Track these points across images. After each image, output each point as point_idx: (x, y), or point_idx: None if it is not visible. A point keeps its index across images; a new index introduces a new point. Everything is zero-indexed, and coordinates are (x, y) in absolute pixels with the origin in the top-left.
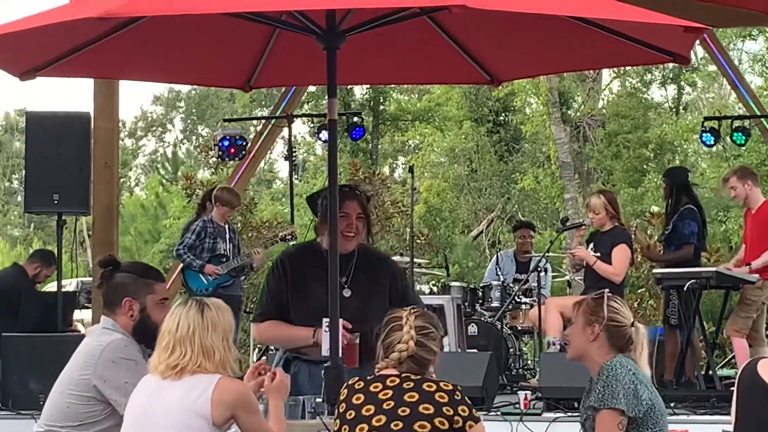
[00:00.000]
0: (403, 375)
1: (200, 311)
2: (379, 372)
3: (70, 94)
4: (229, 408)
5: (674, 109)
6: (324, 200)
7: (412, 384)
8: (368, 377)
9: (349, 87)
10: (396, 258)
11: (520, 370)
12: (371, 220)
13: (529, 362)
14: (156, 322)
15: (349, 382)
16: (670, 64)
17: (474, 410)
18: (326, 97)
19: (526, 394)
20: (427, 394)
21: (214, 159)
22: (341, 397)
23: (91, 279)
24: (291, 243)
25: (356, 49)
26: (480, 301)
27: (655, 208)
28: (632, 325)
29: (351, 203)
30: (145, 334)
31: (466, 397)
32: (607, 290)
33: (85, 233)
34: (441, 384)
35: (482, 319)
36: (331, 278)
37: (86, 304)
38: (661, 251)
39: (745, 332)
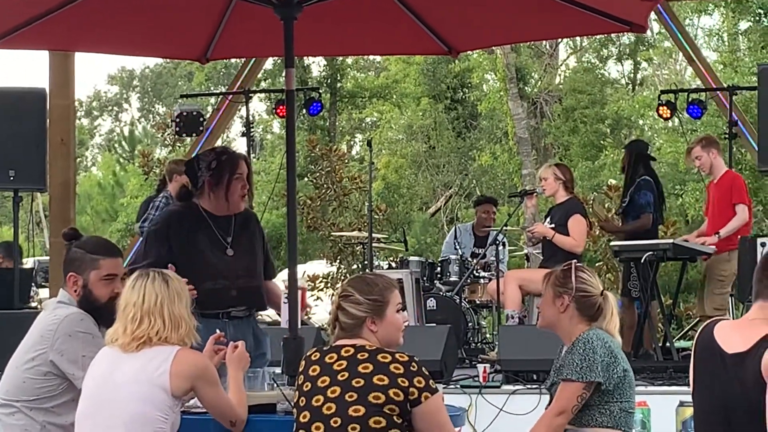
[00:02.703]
0: (358, 345)
1: (165, 282)
2: (335, 342)
3: (23, 72)
4: (188, 380)
5: (630, 85)
6: (212, 163)
7: (366, 355)
8: (324, 348)
9: (306, 64)
10: (354, 233)
11: (479, 344)
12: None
13: (488, 336)
14: (99, 298)
15: (307, 354)
16: (627, 40)
17: (431, 381)
18: (283, 75)
19: (485, 367)
20: (381, 365)
21: (171, 136)
22: (300, 369)
23: (47, 258)
24: None
25: (313, 20)
26: (438, 275)
27: (612, 181)
28: (601, 294)
29: (242, 164)
30: (88, 309)
31: (423, 368)
32: (575, 261)
33: (42, 213)
34: (397, 355)
35: (441, 293)
36: (290, 248)
37: (43, 283)
38: (620, 223)
39: (725, 308)
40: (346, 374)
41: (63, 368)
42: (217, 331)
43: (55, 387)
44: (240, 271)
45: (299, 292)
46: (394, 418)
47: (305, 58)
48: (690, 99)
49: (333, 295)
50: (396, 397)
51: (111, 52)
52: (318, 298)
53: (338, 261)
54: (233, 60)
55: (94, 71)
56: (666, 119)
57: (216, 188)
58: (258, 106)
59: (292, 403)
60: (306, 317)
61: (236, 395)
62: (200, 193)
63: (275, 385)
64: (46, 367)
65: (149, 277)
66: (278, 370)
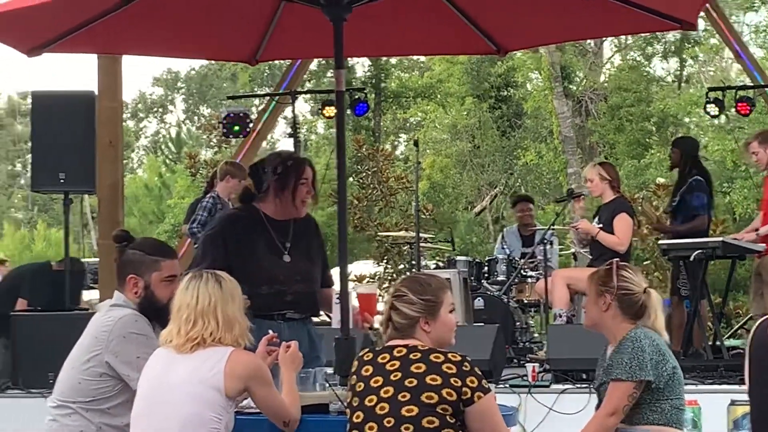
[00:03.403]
0: (411, 345)
1: (218, 283)
2: (388, 342)
3: (72, 76)
4: (242, 380)
5: (676, 83)
6: (278, 167)
7: (419, 355)
8: (377, 348)
9: (350, 65)
10: (401, 233)
11: (526, 344)
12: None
13: (536, 335)
14: (161, 300)
15: (360, 354)
16: (672, 37)
17: (484, 381)
18: (328, 75)
19: (533, 366)
20: (434, 365)
21: (218, 137)
22: (353, 369)
23: (96, 260)
24: None
25: (362, 20)
26: (486, 275)
27: (661, 180)
28: (645, 291)
29: (308, 169)
30: (150, 311)
31: (475, 368)
32: (617, 260)
33: (89, 216)
34: (449, 355)
35: (488, 293)
36: (340, 249)
37: (91, 285)
38: (668, 223)
39: None
40: (399, 374)
41: (118, 369)
42: (270, 332)
43: (110, 388)
44: (296, 277)
45: (371, 298)
46: (447, 417)
47: (350, 58)
48: (738, 96)
49: (383, 295)
50: (449, 396)
51: (160, 55)
52: None
53: (385, 261)
54: (277, 61)
55: (139, 73)
56: (714, 117)
57: (281, 193)
58: (302, 106)
59: (345, 404)
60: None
61: (289, 395)
62: (264, 197)
63: (327, 385)
64: (101, 368)
65: (202, 279)
66: (330, 370)
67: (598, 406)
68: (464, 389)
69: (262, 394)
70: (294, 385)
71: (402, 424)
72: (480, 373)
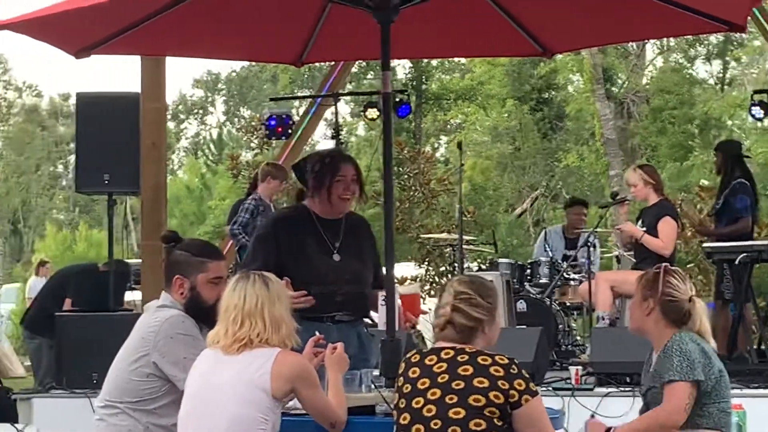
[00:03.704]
0: (458, 348)
1: (265, 284)
2: (435, 344)
3: (112, 78)
4: (288, 381)
5: (719, 85)
6: (317, 165)
7: (466, 357)
8: (424, 350)
9: (392, 67)
10: (443, 235)
11: (569, 347)
12: (363, 182)
13: (578, 338)
14: (207, 301)
15: (407, 356)
16: (715, 39)
17: (531, 384)
18: (368, 77)
19: (577, 369)
20: (482, 368)
21: (260, 139)
22: (400, 371)
23: (138, 261)
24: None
25: (407, 23)
26: (528, 277)
27: (704, 182)
28: (690, 300)
29: (347, 166)
30: (195, 312)
31: (523, 371)
32: (666, 264)
33: (129, 217)
34: (497, 357)
35: (531, 295)
36: (387, 250)
37: (134, 286)
38: (712, 225)
39: None
40: (446, 376)
41: (165, 370)
42: (317, 333)
43: (157, 388)
44: (347, 277)
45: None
46: (495, 420)
47: (392, 61)
48: None
49: (425, 297)
50: (496, 399)
51: (206, 56)
52: None
53: (426, 263)
54: (318, 63)
55: (180, 75)
56: (759, 119)
57: (318, 191)
58: (342, 109)
59: (392, 405)
60: (411, 327)
61: (335, 397)
62: (309, 195)
63: (374, 387)
64: (148, 368)
65: (249, 280)
66: (376, 372)
67: (643, 410)
68: (512, 392)
69: (308, 396)
70: (340, 386)
71: (449, 427)
72: (527, 375)
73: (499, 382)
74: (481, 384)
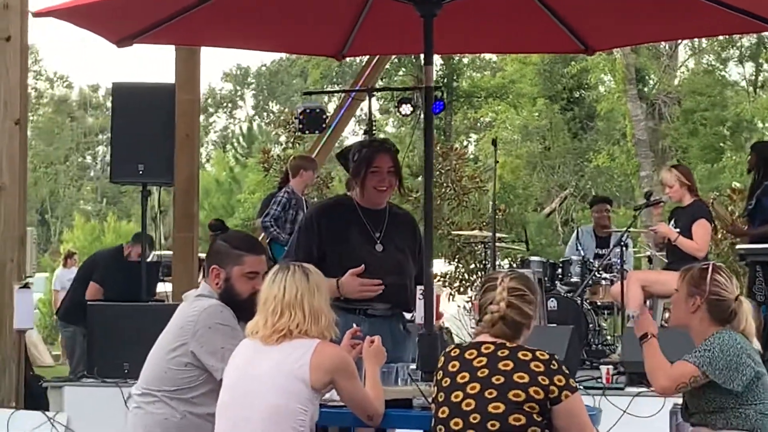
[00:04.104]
0: (499, 343)
1: (305, 275)
2: (475, 338)
3: (143, 70)
4: (328, 373)
5: (751, 87)
6: (355, 155)
7: (507, 352)
8: (464, 344)
9: (422, 64)
10: (475, 232)
11: (599, 346)
12: (402, 173)
13: (609, 338)
14: (240, 294)
15: (447, 350)
16: (747, 41)
17: (571, 380)
18: (399, 73)
19: (608, 368)
20: (522, 363)
21: (290, 133)
22: (439, 365)
23: (168, 252)
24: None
25: (449, 18)
26: (560, 276)
27: (736, 184)
28: (736, 299)
29: (383, 157)
30: (228, 304)
31: (563, 367)
32: (713, 262)
33: (157, 209)
34: (537, 353)
35: (561, 294)
36: (426, 242)
37: (164, 278)
38: (746, 227)
39: None
40: (486, 371)
41: (203, 360)
42: (354, 325)
43: (194, 378)
44: (389, 267)
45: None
46: (534, 416)
47: (421, 57)
48: None
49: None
50: (536, 395)
51: (246, 48)
52: (436, 296)
53: (456, 260)
54: (349, 58)
55: (209, 68)
56: None
57: (356, 180)
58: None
59: (430, 399)
60: (438, 326)
61: (373, 389)
62: (351, 184)
63: (411, 380)
64: (186, 358)
65: (289, 271)
66: (413, 366)
67: (683, 410)
68: (551, 387)
69: (347, 387)
70: (378, 379)
71: (488, 421)
72: (567, 371)
73: (540, 378)
74: (521, 379)
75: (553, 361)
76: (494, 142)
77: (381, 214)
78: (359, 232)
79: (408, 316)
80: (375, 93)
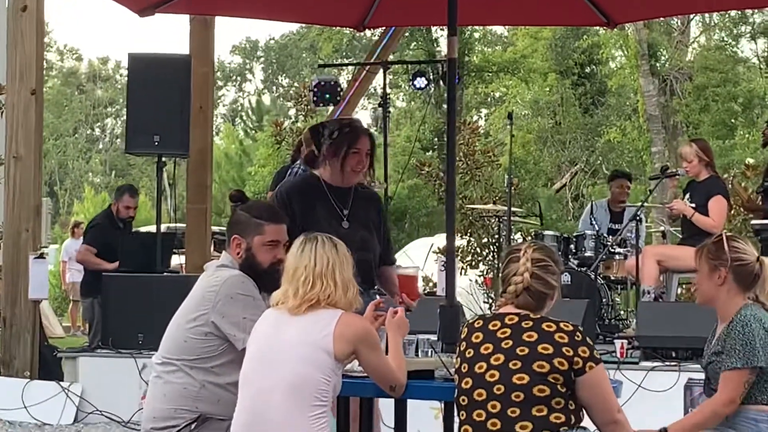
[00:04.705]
0: (523, 314)
1: (335, 246)
2: (498, 309)
3: (155, 42)
4: (351, 343)
5: (764, 63)
6: (334, 133)
7: (531, 323)
8: (487, 315)
9: (435, 37)
10: (489, 206)
11: (613, 321)
12: (374, 157)
13: (622, 313)
14: (261, 263)
15: (470, 321)
16: (759, 17)
17: (595, 352)
18: (411, 47)
19: (622, 342)
20: (546, 334)
21: (303, 106)
22: (462, 336)
23: (181, 225)
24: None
25: None
26: (573, 250)
27: (750, 160)
28: (758, 260)
29: (364, 140)
30: (250, 273)
31: (587, 338)
32: (725, 232)
33: (167, 181)
34: (561, 324)
35: (575, 268)
36: (448, 220)
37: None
38: (760, 203)
39: None
40: (510, 342)
41: (224, 329)
42: (378, 297)
43: (215, 348)
44: (355, 244)
45: (412, 281)
46: (558, 387)
47: (433, 31)
48: None
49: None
50: (560, 366)
51: (266, 18)
52: None
53: (468, 234)
54: (360, 33)
55: (218, 41)
56: None
57: (333, 159)
58: (381, 79)
59: (452, 370)
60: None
61: (396, 360)
62: (321, 160)
63: (432, 351)
64: (207, 327)
65: (318, 241)
66: (434, 337)
67: (706, 384)
68: (576, 359)
69: (370, 358)
70: (400, 350)
71: (512, 392)
72: (591, 343)
73: (564, 349)
74: (545, 350)
75: (578, 333)
76: (510, 116)
77: (347, 192)
78: (327, 209)
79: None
80: (390, 66)
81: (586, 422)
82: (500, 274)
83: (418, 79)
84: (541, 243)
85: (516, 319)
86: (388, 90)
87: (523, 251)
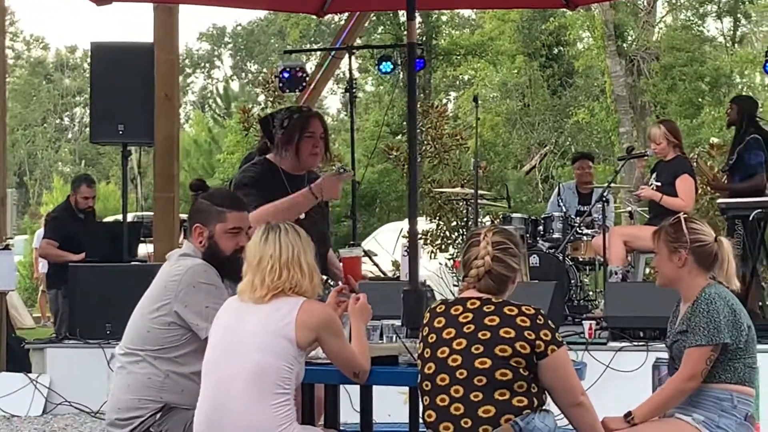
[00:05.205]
0: (484, 298)
1: (297, 233)
2: (461, 294)
3: (121, 31)
4: (313, 330)
5: (729, 42)
6: (284, 121)
7: (492, 307)
8: (449, 300)
9: (402, 21)
10: (457, 190)
11: (581, 302)
12: (329, 139)
13: (591, 293)
14: (224, 251)
15: (432, 306)
16: None
17: (557, 335)
18: (378, 31)
19: (590, 323)
20: (508, 318)
21: (271, 92)
22: (424, 321)
23: (149, 213)
24: (344, 177)
25: None
26: (541, 232)
27: (714, 140)
28: (716, 240)
29: (315, 122)
30: (212, 262)
31: (549, 321)
32: (682, 213)
33: (136, 170)
34: (523, 308)
35: (543, 250)
36: (411, 200)
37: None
38: (725, 181)
39: None
40: (472, 326)
41: (187, 319)
42: (340, 283)
43: (178, 337)
44: (316, 236)
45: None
46: (521, 370)
47: (401, 15)
48: None
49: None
50: (522, 350)
51: (227, 5)
52: None
53: (437, 218)
54: (328, 17)
55: (185, 29)
56: None
57: (287, 146)
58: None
59: (416, 355)
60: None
61: (359, 346)
62: (276, 150)
63: (396, 337)
64: (170, 317)
65: (282, 230)
66: (398, 322)
67: (669, 363)
68: (538, 342)
69: (333, 345)
70: (364, 336)
71: (475, 377)
72: (554, 326)
73: (526, 332)
74: (507, 334)
75: (539, 316)
76: (476, 99)
77: (302, 179)
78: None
79: None
80: (355, 51)
81: (552, 407)
82: (461, 259)
83: (384, 63)
84: (501, 226)
85: (478, 303)
86: (357, 74)
87: (483, 235)
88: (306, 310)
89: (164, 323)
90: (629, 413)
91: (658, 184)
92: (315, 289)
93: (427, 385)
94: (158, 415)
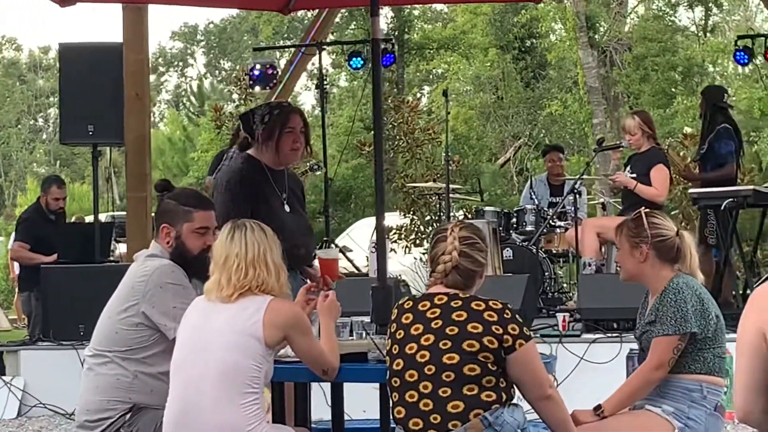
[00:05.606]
0: (452, 293)
1: (263, 231)
2: (429, 290)
3: (93, 31)
4: (281, 329)
5: (702, 31)
6: (265, 117)
7: (460, 302)
8: (417, 296)
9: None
10: (429, 184)
11: (555, 294)
12: (309, 133)
13: (564, 286)
14: (191, 250)
15: (400, 302)
16: None
17: (525, 329)
18: (351, 27)
19: (564, 316)
20: (475, 313)
21: (243, 89)
22: (392, 317)
23: (122, 213)
24: (317, 173)
25: None
26: (514, 225)
27: (687, 129)
28: (677, 234)
29: (295, 117)
30: (180, 262)
31: (516, 316)
32: (643, 208)
33: (111, 169)
34: (490, 303)
35: (517, 243)
36: (377, 200)
37: (118, 238)
38: (697, 171)
39: None
40: (440, 322)
41: (154, 319)
42: (308, 281)
43: (146, 338)
44: (303, 229)
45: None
46: (489, 365)
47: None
48: (767, 44)
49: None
50: (490, 344)
51: (194, 5)
52: (392, 250)
53: (411, 212)
54: (300, 13)
55: (157, 27)
56: (744, 65)
57: (268, 142)
58: (324, 59)
59: (384, 352)
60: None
61: (328, 344)
62: (256, 145)
63: (365, 334)
64: (137, 318)
65: (247, 228)
66: (367, 319)
67: (639, 355)
68: (505, 337)
69: (301, 343)
70: (333, 333)
71: (443, 372)
72: (521, 320)
73: (493, 327)
74: (475, 329)
75: (507, 310)
76: (445, 93)
77: (283, 174)
78: (271, 193)
79: None
80: (325, 47)
81: (522, 401)
82: (428, 255)
83: (354, 59)
84: (468, 222)
85: (445, 298)
86: (331, 70)
87: (450, 230)
88: (273, 308)
89: (132, 324)
90: (599, 406)
91: (633, 175)
92: (282, 288)
93: (396, 382)
94: (128, 416)
